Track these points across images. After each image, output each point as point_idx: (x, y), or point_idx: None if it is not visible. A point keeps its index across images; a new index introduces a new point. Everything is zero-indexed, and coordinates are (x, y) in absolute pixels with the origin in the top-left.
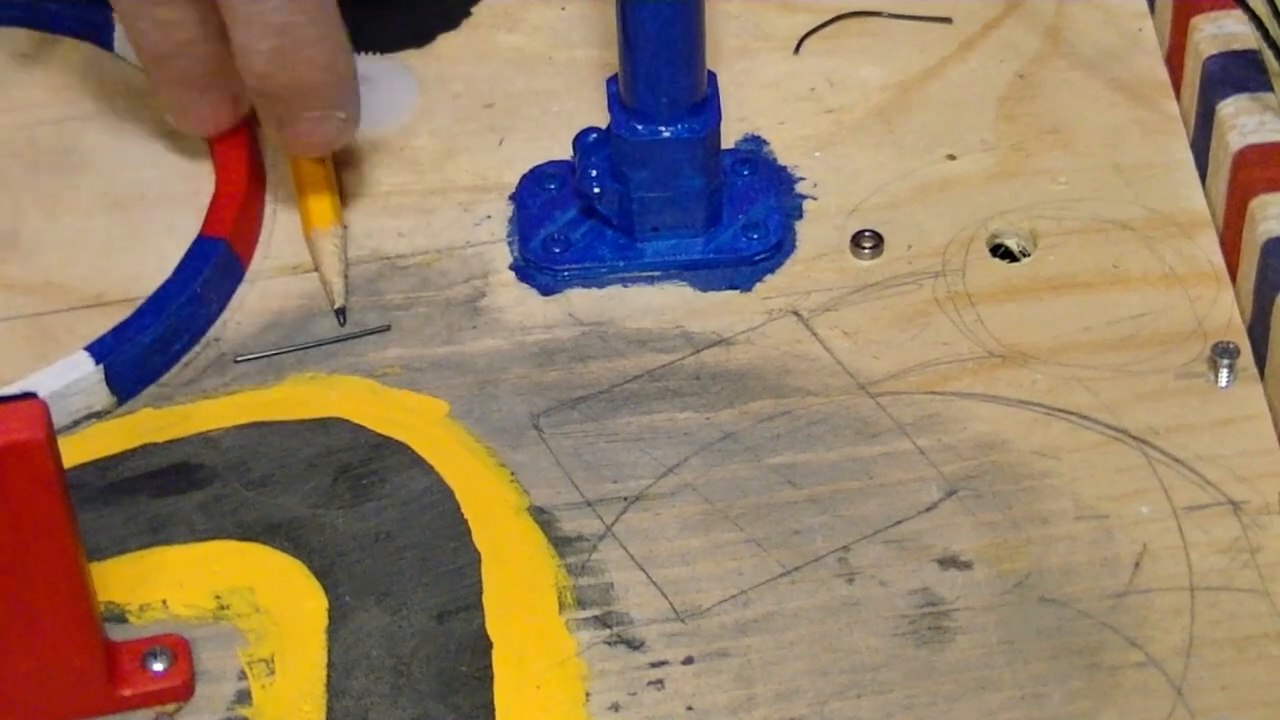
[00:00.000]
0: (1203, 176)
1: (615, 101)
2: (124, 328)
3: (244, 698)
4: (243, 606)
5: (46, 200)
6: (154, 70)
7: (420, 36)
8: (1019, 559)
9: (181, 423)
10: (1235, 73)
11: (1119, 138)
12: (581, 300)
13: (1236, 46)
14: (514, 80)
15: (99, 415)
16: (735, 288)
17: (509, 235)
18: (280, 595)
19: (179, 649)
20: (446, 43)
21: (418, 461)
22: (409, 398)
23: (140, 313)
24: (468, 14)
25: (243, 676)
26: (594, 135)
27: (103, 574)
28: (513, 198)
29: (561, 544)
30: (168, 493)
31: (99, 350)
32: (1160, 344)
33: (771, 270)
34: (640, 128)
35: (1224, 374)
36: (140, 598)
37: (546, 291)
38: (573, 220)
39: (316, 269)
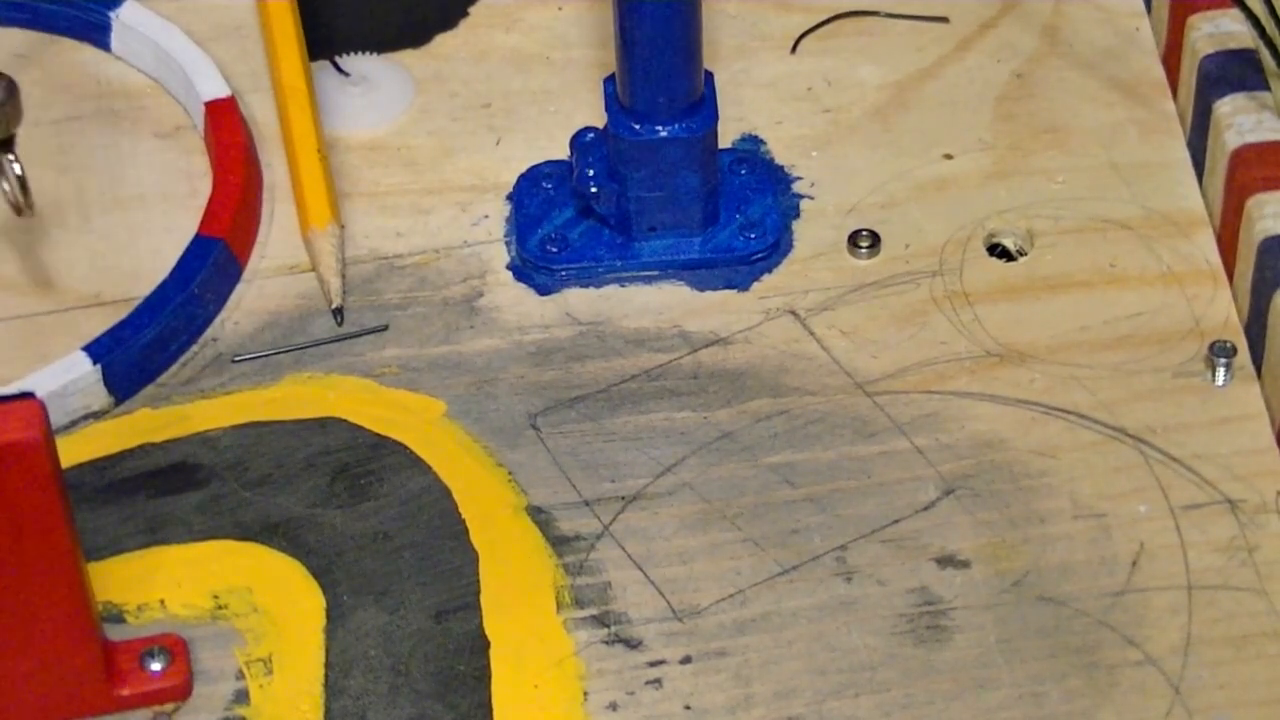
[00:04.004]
0: (1200, 175)
1: (612, 101)
2: (122, 328)
3: (242, 697)
4: (241, 606)
5: (44, 200)
6: None
7: (418, 36)
8: (1017, 558)
9: (179, 423)
10: (1232, 71)
11: (1116, 137)
12: (579, 300)
13: (1233, 45)
14: (511, 80)
15: (97, 415)
16: (732, 287)
17: (506, 235)
18: (278, 595)
19: (177, 649)
20: (444, 43)
21: (415, 461)
22: (407, 397)
23: (138, 313)
24: (465, 14)
25: (241, 676)
26: (591, 135)
27: (101, 574)
28: (510, 197)
29: (559, 543)
30: (166, 493)
31: (97, 350)
32: (1157, 343)
33: (769, 270)
34: (637, 127)
35: (1221, 373)
36: (138, 597)
37: (544, 291)
38: (570, 220)
39: (314, 268)
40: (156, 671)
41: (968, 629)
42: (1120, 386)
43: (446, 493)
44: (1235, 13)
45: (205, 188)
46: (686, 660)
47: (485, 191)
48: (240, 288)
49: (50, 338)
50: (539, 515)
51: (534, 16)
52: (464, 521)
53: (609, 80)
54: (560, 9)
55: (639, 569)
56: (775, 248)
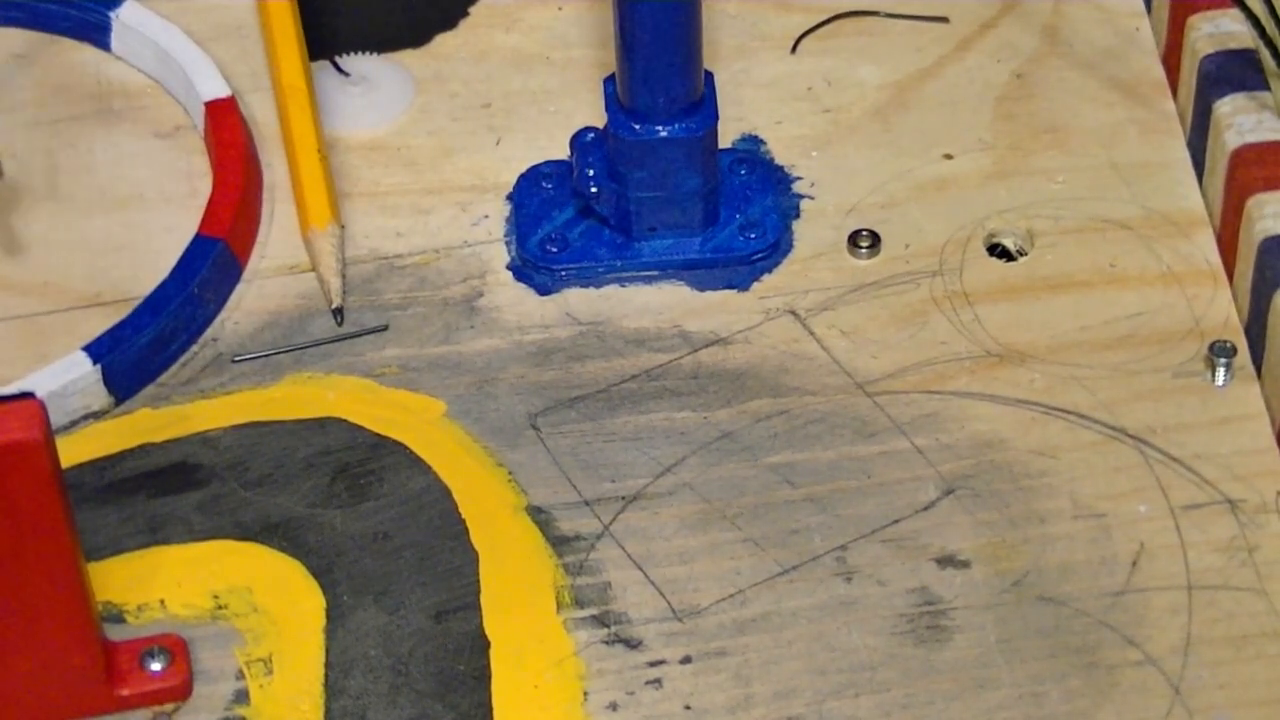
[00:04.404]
0: (1200, 175)
1: (612, 101)
2: (122, 328)
3: (242, 697)
4: (241, 606)
5: (44, 200)
6: None
7: (418, 36)
8: (1017, 558)
9: (179, 423)
10: (1232, 71)
11: (1116, 137)
12: (579, 300)
13: (1233, 45)
14: (511, 80)
15: (97, 415)
16: (732, 287)
17: (506, 235)
18: (278, 595)
19: (177, 649)
20: (444, 42)
21: (415, 461)
22: (406, 397)
23: (138, 313)
24: (465, 14)
25: (241, 676)
26: (591, 135)
27: (101, 574)
28: (510, 197)
29: (559, 543)
30: (166, 493)
31: (97, 350)
32: (1158, 343)
33: (769, 270)
34: (637, 127)
35: (1221, 373)
36: (138, 597)
37: (544, 291)
38: (570, 220)
39: (314, 269)
40: (156, 671)
41: (968, 629)
42: (1120, 386)
43: (446, 493)
44: (1235, 13)
45: (205, 188)
46: (686, 660)
47: (485, 191)
48: (240, 288)
49: (50, 338)
50: (539, 515)
51: (534, 16)
52: (464, 521)
53: (609, 80)
54: (560, 9)
55: (639, 569)
56: (775, 248)
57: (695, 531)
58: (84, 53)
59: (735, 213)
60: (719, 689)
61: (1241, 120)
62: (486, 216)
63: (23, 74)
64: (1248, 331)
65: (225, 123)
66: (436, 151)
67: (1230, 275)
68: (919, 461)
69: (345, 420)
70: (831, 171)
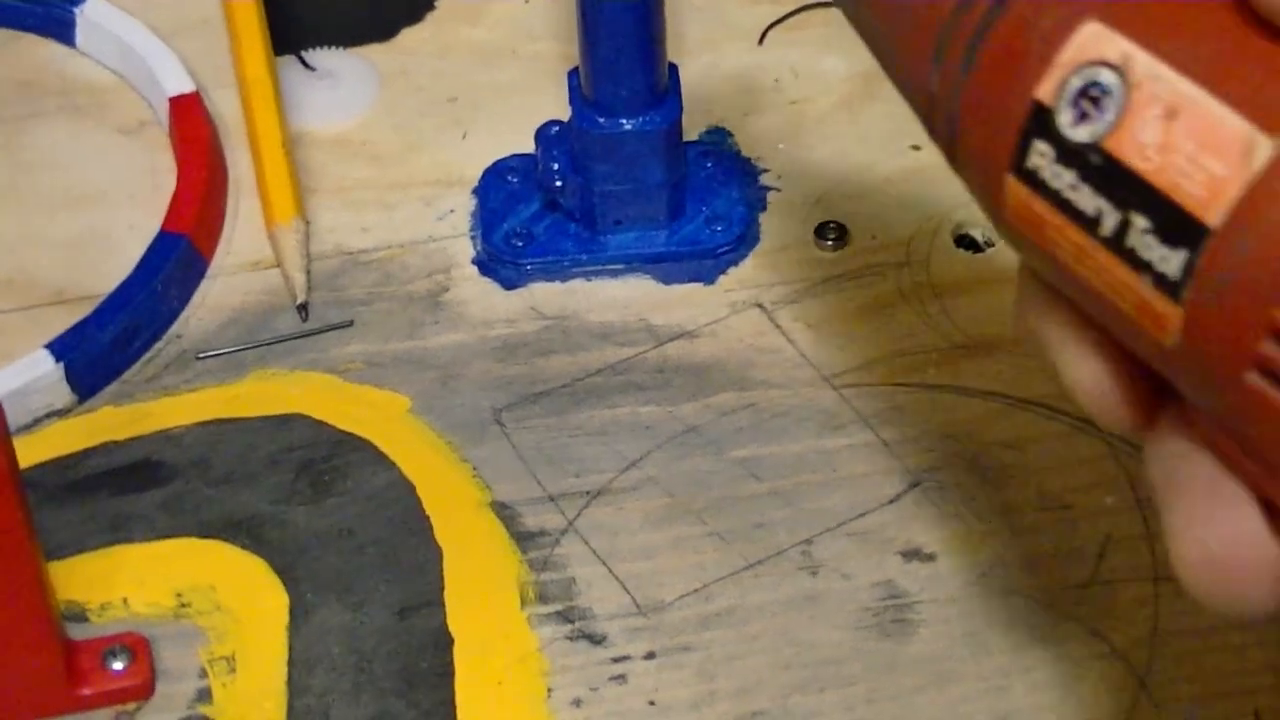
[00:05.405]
0: None
1: (576, 94)
2: (84, 325)
3: (205, 696)
4: (204, 604)
5: (6, 197)
6: None
7: (383, 30)
8: (982, 550)
9: (142, 420)
10: None
11: None
12: (544, 294)
13: None
14: (477, 73)
15: (59, 413)
16: (698, 280)
17: (472, 229)
18: (241, 593)
19: (139, 647)
20: (410, 36)
21: (379, 457)
22: (371, 393)
23: (101, 310)
24: (432, 7)
25: (203, 674)
26: (556, 128)
27: (63, 573)
28: (475, 192)
29: (523, 539)
30: (128, 491)
31: (59, 348)
32: None
33: (735, 263)
34: (601, 120)
35: None
36: (100, 596)
37: (509, 285)
38: (535, 214)
39: (278, 264)
40: (118, 670)
41: (933, 622)
42: None
43: (410, 489)
44: None
45: (170, 184)
46: (650, 656)
47: (451, 185)
48: (204, 284)
49: (12, 336)
50: (503, 511)
51: (500, 10)
52: (428, 518)
53: (573, 73)
54: (526, 2)
55: (603, 564)
56: (741, 240)
57: (660, 526)
58: (48, 49)
59: (701, 205)
60: (683, 684)
61: None
62: (452, 211)
63: None
64: None
65: (189, 118)
66: (402, 146)
67: None
68: (885, 454)
69: (309, 417)
70: (798, 163)
